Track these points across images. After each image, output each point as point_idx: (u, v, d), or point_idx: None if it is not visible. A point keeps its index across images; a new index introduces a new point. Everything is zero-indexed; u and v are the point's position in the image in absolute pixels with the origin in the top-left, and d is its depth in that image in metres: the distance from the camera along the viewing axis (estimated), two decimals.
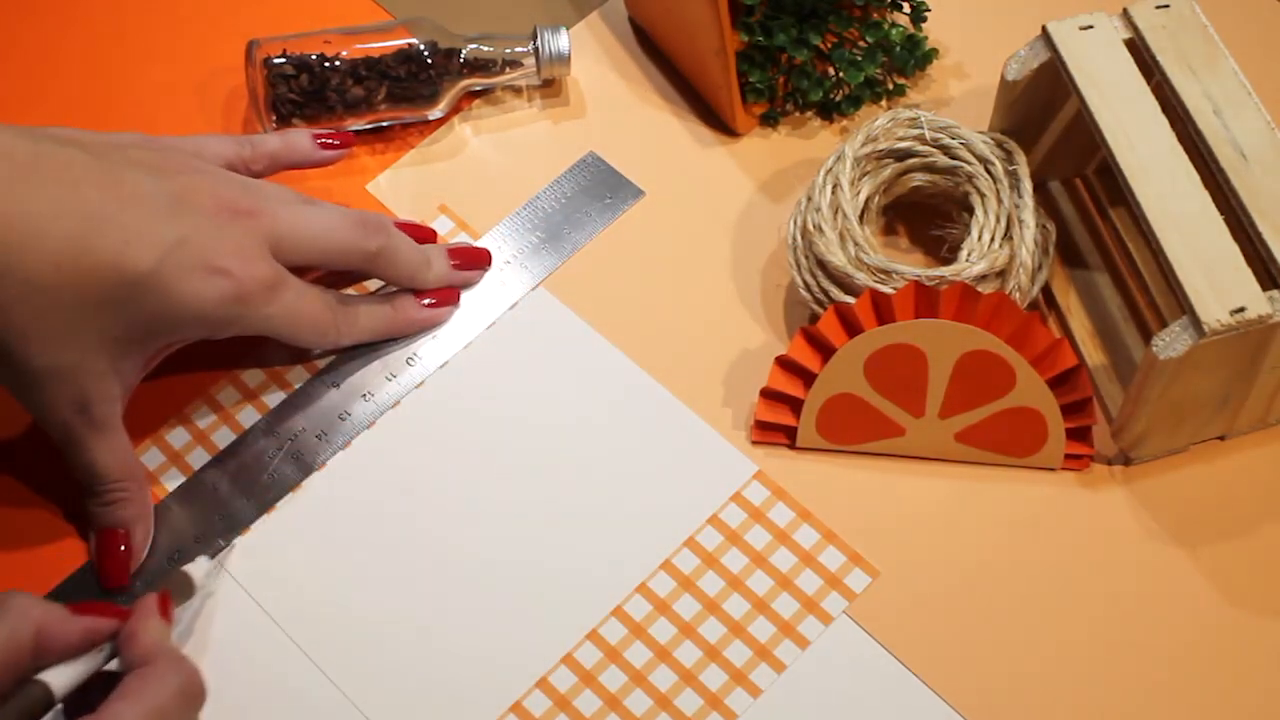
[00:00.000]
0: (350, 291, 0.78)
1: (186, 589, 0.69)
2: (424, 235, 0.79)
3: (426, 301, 0.77)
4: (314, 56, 0.81)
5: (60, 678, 0.63)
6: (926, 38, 0.85)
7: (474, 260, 0.78)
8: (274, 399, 0.76)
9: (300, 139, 0.78)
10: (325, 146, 0.78)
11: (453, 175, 0.83)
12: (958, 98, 0.85)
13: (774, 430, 0.74)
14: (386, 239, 0.74)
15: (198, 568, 0.69)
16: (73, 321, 0.66)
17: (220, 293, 0.68)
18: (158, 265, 0.66)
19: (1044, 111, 0.77)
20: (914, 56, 0.84)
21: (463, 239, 0.81)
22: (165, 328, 0.69)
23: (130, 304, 0.67)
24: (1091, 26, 0.73)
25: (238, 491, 0.74)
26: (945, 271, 0.73)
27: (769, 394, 0.74)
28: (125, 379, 0.69)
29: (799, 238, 0.76)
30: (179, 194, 0.69)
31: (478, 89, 0.85)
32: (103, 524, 0.70)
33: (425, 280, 0.77)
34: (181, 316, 0.68)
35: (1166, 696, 0.68)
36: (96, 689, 0.63)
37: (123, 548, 0.70)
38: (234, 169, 0.75)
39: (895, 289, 0.72)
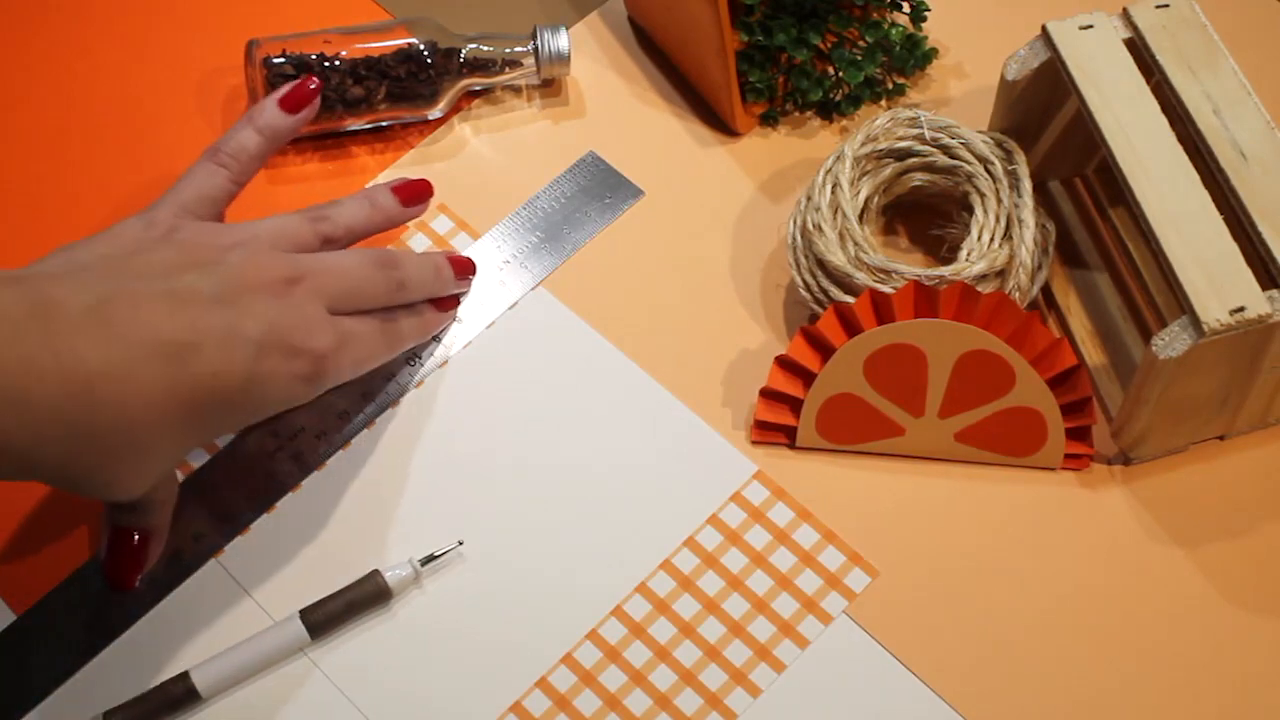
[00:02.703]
0: None
1: (382, 595, 0.70)
2: (420, 190, 0.77)
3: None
4: (314, 56, 0.81)
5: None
6: (926, 37, 0.85)
7: (467, 269, 0.78)
8: None
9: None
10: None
11: (452, 175, 0.83)
12: (958, 98, 0.85)
13: (774, 430, 0.74)
14: (401, 271, 0.73)
15: (395, 575, 0.70)
16: (175, 444, 0.65)
17: (302, 377, 0.67)
18: (248, 377, 0.65)
19: (1044, 111, 0.77)
20: (914, 56, 0.84)
21: (462, 239, 0.81)
22: (255, 418, 0.68)
23: (225, 411, 0.66)
24: (1091, 26, 0.73)
25: (238, 491, 0.73)
26: (945, 271, 0.73)
27: (769, 394, 0.74)
28: None
29: (799, 237, 0.76)
30: (232, 282, 0.67)
31: (477, 89, 0.85)
32: (121, 523, 0.70)
33: (440, 290, 0.76)
34: (270, 408, 0.68)
35: (1166, 696, 0.68)
36: None
37: (136, 547, 0.70)
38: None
39: (895, 289, 0.72)
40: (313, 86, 0.76)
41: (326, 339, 0.68)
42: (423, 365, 0.77)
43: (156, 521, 0.70)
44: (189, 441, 0.66)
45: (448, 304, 0.77)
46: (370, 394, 0.76)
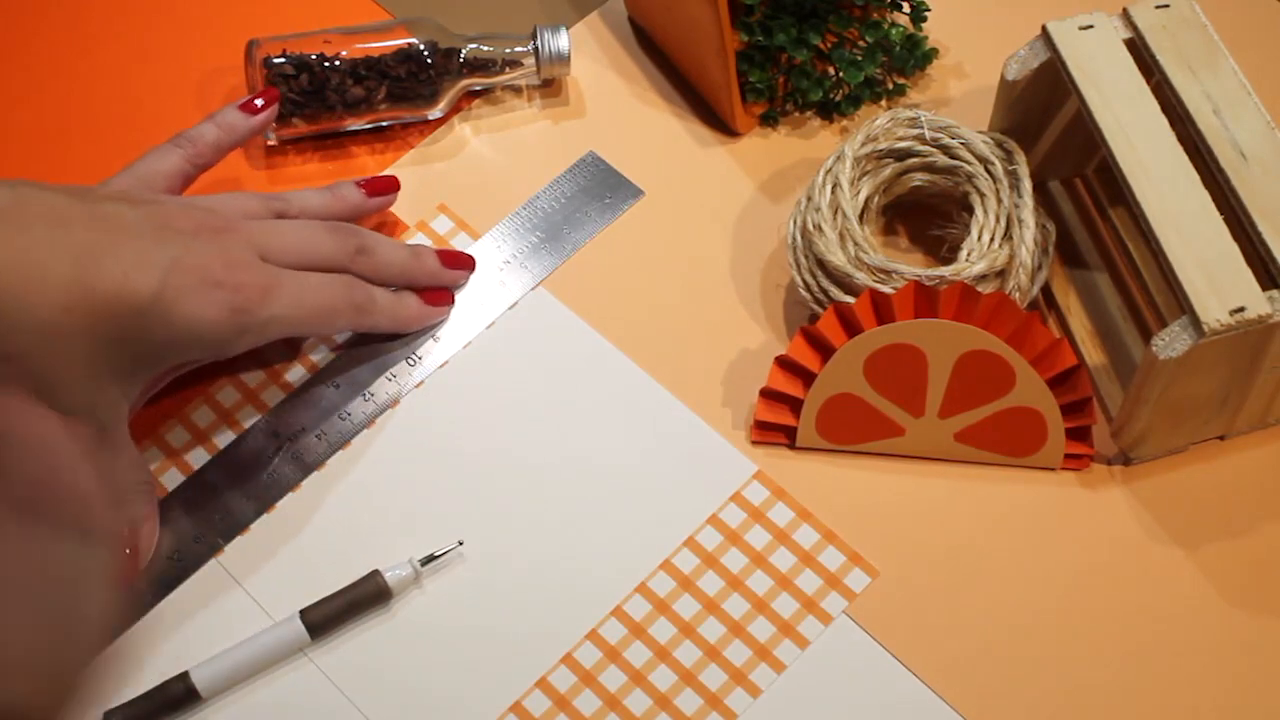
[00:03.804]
0: None
1: (382, 595, 0.70)
2: (386, 185, 0.79)
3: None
4: (314, 56, 0.81)
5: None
6: (926, 37, 0.85)
7: (460, 262, 0.78)
8: (273, 399, 0.76)
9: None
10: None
11: (452, 175, 0.83)
12: (958, 98, 0.85)
13: (774, 430, 0.74)
14: (361, 238, 0.74)
15: (395, 575, 0.70)
16: (87, 362, 0.66)
17: (221, 305, 0.68)
18: (160, 288, 0.66)
19: (1044, 111, 0.77)
20: (914, 56, 0.84)
21: (462, 239, 0.81)
22: (173, 351, 0.68)
23: (138, 333, 0.66)
24: (1091, 26, 0.73)
25: (238, 491, 0.73)
26: (945, 271, 0.73)
27: (769, 394, 0.74)
28: (133, 401, 0.69)
29: (799, 237, 0.76)
30: (158, 219, 0.68)
31: (478, 89, 0.85)
32: None
33: (418, 271, 0.77)
34: (187, 338, 0.68)
35: (1166, 696, 0.68)
36: None
37: (128, 549, 0.70)
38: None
39: (895, 289, 0.72)
40: (260, 102, 0.78)
41: (253, 275, 0.69)
42: (423, 365, 0.77)
43: (143, 512, 0.70)
44: (106, 358, 0.66)
45: (439, 297, 0.77)
46: (370, 394, 0.76)
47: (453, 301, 0.78)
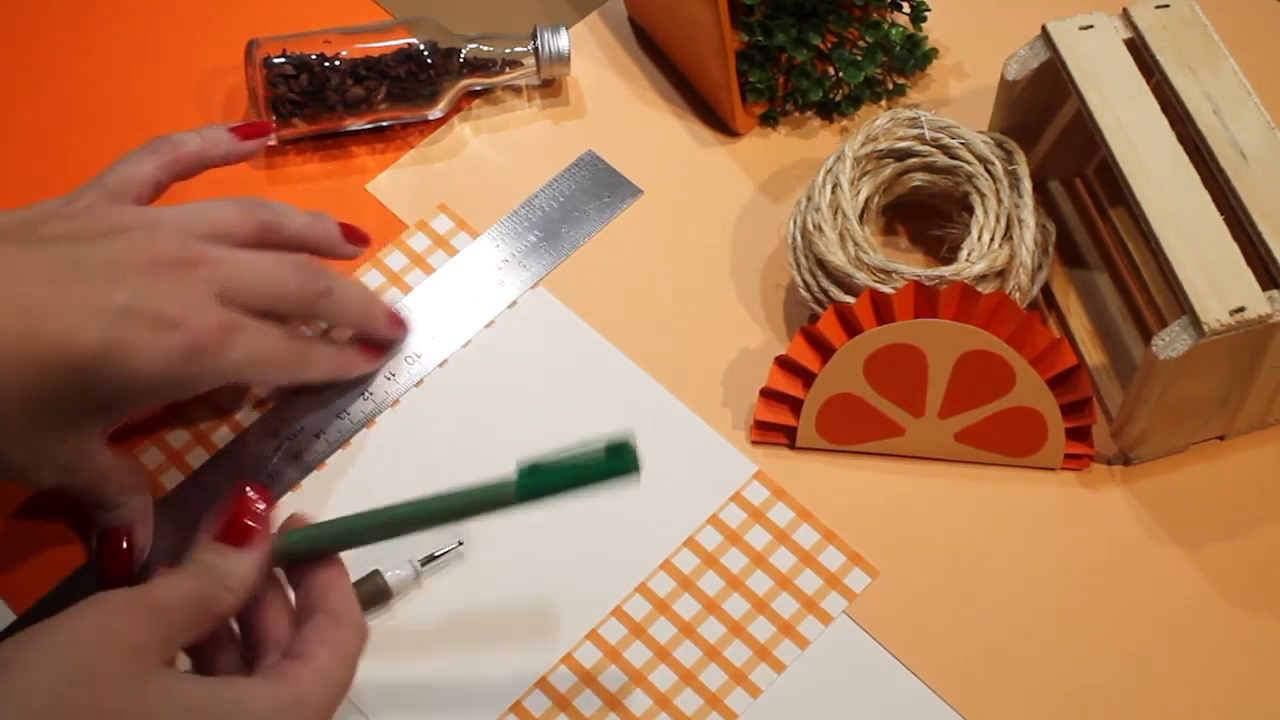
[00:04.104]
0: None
1: (382, 595, 0.70)
2: (361, 237, 0.76)
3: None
4: (314, 56, 0.81)
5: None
6: (926, 37, 0.85)
7: (401, 322, 0.76)
8: (273, 398, 0.76)
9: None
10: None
11: (452, 175, 0.83)
12: (958, 98, 0.85)
13: (774, 430, 0.74)
14: (329, 279, 0.71)
15: (395, 576, 0.70)
16: (37, 417, 0.64)
17: (173, 350, 0.65)
18: (106, 340, 0.63)
19: (1044, 111, 0.77)
20: (914, 56, 0.84)
21: (462, 238, 0.81)
22: (126, 398, 0.66)
23: (88, 385, 0.64)
24: (1091, 26, 0.73)
25: None
26: (945, 271, 0.73)
27: (769, 394, 0.74)
28: (99, 433, 0.68)
29: (799, 237, 0.76)
30: (111, 258, 0.65)
31: (478, 89, 0.85)
32: (104, 525, 0.70)
33: (375, 316, 0.74)
34: (139, 385, 0.65)
35: (1166, 695, 0.68)
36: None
37: (125, 548, 0.70)
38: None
39: (895, 289, 0.72)
40: (241, 135, 0.75)
41: (207, 317, 0.65)
42: (421, 364, 0.77)
43: (136, 515, 0.70)
44: (57, 410, 0.64)
45: (375, 351, 0.76)
46: (370, 393, 0.76)
47: (383, 354, 0.76)
